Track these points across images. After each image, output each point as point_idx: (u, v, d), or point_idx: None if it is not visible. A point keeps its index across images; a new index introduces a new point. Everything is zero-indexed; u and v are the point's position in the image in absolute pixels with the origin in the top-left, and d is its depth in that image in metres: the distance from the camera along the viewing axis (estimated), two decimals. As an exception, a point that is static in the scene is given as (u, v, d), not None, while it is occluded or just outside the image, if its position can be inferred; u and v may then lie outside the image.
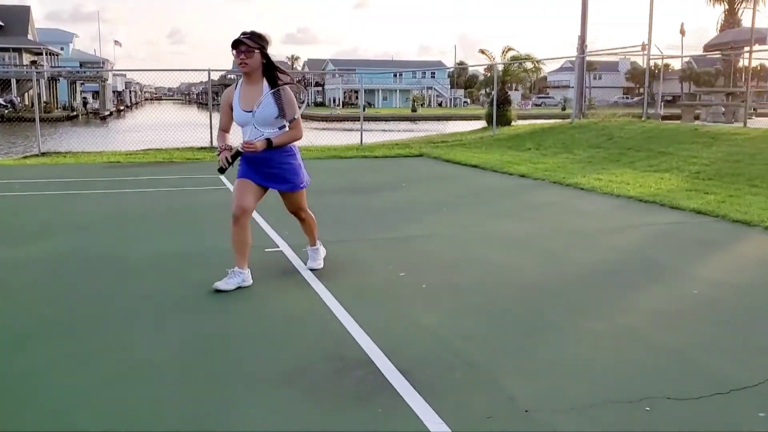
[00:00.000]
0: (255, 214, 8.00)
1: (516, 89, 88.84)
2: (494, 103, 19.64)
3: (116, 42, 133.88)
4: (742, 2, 24.59)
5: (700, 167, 11.45)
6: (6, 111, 49.62)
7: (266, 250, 6.14)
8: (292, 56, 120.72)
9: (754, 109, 20.58)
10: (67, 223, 7.68)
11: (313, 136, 21.15)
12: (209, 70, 15.94)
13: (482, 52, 22.82)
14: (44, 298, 4.81)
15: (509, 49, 22.00)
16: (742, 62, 16.66)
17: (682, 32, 32.12)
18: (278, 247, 6.27)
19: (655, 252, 6.26)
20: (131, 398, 3.20)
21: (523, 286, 5.13)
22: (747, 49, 16.61)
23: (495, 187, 10.86)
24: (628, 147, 14.31)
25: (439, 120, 55.88)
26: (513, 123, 21.53)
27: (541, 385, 3.34)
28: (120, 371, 3.50)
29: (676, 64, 77.94)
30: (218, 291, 4.81)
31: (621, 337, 4.03)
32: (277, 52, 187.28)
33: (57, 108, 60.99)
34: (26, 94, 61.14)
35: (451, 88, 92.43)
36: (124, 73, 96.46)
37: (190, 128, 17.53)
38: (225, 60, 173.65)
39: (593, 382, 3.39)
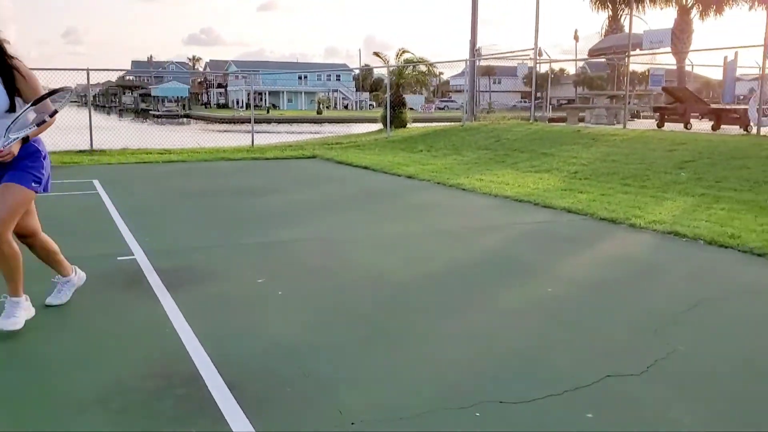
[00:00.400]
0: (114, 217, 7.60)
1: (420, 93, 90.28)
2: (388, 105, 19.67)
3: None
4: (624, 9, 25.73)
5: (578, 167, 11.81)
6: None
7: (119, 258, 5.78)
8: (194, 57, 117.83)
9: (637, 112, 21.59)
10: None
11: (205, 138, 20.57)
12: (87, 70, 15.13)
13: (376, 54, 22.88)
14: None
15: (404, 52, 22.13)
16: (625, 67, 17.38)
17: (576, 38, 33.55)
18: (133, 255, 5.90)
19: (519, 251, 6.32)
20: None
21: (387, 289, 5.02)
22: (627, 53, 17.37)
23: (381, 188, 10.80)
24: (514, 148, 14.62)
25: (343, 122, 55.80)
26: (408, 125, 21.66)
27: (376, 395, 3.21)
28: None
29: (571, 69, 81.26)
30: (49, 306, 4.43)
31: (472, 339, 3.96)
32: (179, 53, 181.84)
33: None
34: None
35: (356, 90, 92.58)
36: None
37: (82, 131, 16.51)
38: (123, 62, 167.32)
39: (432, 388, 3.29)
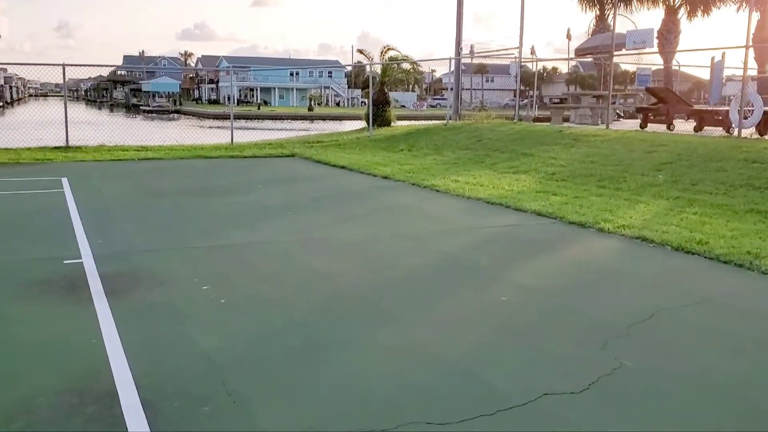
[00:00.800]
0: (74, 218, 7.39)
1: (412, 90, 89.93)
2: (369, 103, 19.47)
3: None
4: (612, 9, 25.59)
5: (556, 168, 11.66)
6: None
7: (65, 261, 5.59)
8: (186, 52, 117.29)
9: (625, 112, 21.44)
10: None
11: (190, 135, 20.33)
12: (63, 65, 14.87)
13: (360, 51, 22.64)
14: None
15: (389, 49, 21.92)
16: (610, 66, 17.24)
17: (569, 37, 33.25)
18: (80, 258, 5.71)
19: (481, 256, 6.16)
20: None
21: (334, 296, 4.85)
22: (610, 53, 17.21)
23: (354, 188, 10.62)
24: (495, 149, 14.46)
25: (334, 119, 55.56)
26: (393, 124, 21.46)
27: (298, 416, 3.04)
28: None
29: (564, 68, 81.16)
30: None
31: (408, 353, 3.80)
32: (172, 47, 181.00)
33: None
34: None
35: (348, 88, 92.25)
36: (4, 67, 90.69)
37: (70, 126, 16.20)
38: (116, 56, 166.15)
39: (357, 407, 3.12)
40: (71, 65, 15.28)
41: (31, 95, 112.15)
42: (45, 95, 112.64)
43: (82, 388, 3.26)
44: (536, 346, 3.93)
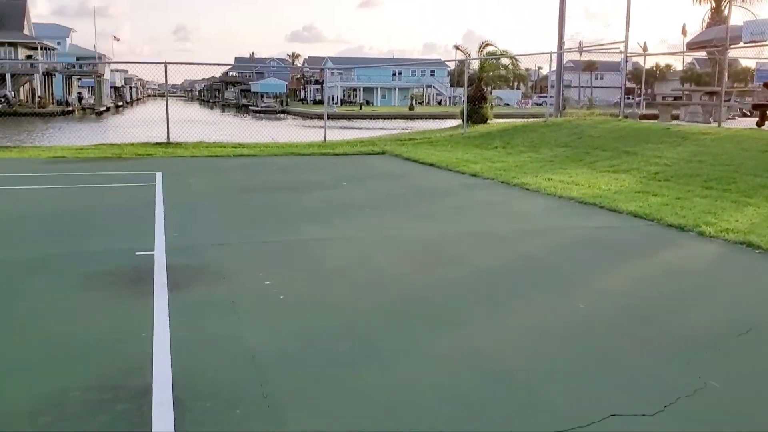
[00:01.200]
0: (157, 211, 7.52)
1: (517, 88, 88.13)
2: (464, 100, 19.07)
3: (114, 37, 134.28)
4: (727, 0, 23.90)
5: (660, 167, 10.89)
6: None
7: (137, 253, 5.63)
8: (293, 54, 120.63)
9: (740, 110, 19.91)
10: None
11: (287, 133, 20.68)
12: (165, 63, 15.43)
13: (457, 47, 22.21)
14: None
15: (486, 45, 21.38)
16: (725, 61, 16.05)
17: (684, 33, 31.41)
18: (153, 250, 5.74)
19: (563, 259, 5.73)
20: None
21: (396, 297, 4.60)
22: (724, 47, 15.99)
23: (438, 186, 10.32)
24: (595, 146, 13.74)
25: (434, 118, 55.19)
26: (489, 121, 20.93)
27: (330, 424, 2.82)
28: None
29: (678, 65, 77.01)
30: None
31: (464, 360, 3.49)
32: (281, 49, 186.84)
33: (52, 103, 60.69)
34: (21, 89, 60.93)
35: (451, 86, 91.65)
36: (125, 68, 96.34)
37: (181, 125, 16.89)
38: (227, 58, 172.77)
39: (399, 418, 2.86)
40: (172, 63, 15.82)
41: (149, 95, 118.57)
42: (162, 95, 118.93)
43: (118, 383, 3.17)
44: (609, 360, 3.52)
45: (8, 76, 57.41)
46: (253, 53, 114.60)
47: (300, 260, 5.58)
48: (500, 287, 4.89)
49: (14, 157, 13.48)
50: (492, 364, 3.46)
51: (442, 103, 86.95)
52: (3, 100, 52.49)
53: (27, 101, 59.26)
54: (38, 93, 60.15)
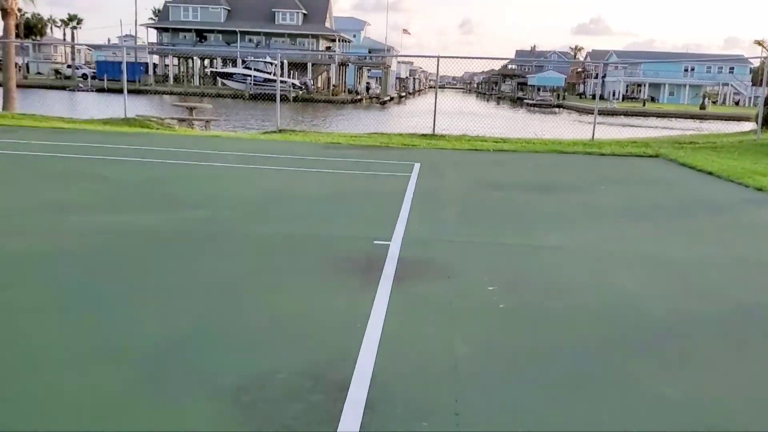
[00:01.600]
0: (405, 201, 7.70)
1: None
2: (761, 101, 16.71)
3: (405, 30, 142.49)
4: None
5: None
6: (300, 92, 55.47)
7: (375, 242, 5.80)
8: (576, 47, 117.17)
9: None
10: (223, 196, 7.93)
11: (556, 128, 20.11)
12: (438, 57, 15.85)
13: (759, 43, 19.45)
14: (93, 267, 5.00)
15: (797, 39, 18.43)
16: None
17: None
18: (389, 240, 5.87)
19: None
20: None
21: (625, 325, 4.12)
22: None
23: (713, 199, 9.18)
24: None
25: (727, 120, 49.67)
26: (794, 127, 18.09)
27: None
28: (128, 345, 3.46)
29: None
30: None
31: (682, 413, 2.99)
32: (564, 42, 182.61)
33: (343, 91, 66.49)
34: (319, 78, 67.68)
35: (752, 85, 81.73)
36: (410, 60, 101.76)
37: (446, 116, 17.44)
38: (509, 51, 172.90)
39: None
40: (444, 57, 16.17)
41: (430, 87, 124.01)
42: (442, 87, 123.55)
43: (321, 372, 3.24)
44: None
45: (309, 66, 64.10)
46: (534, 46, 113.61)
47: (531, 268, 5.29)
48: (758, 328, 4.13)
49: (298, 141, 14.91)
50: (709, 424, 2.90)
51: (740, 103, 77.97)
52: (303, 87, 58.78)
53: (323, 89, 65.69)
54: (333, 82, 66.31)
